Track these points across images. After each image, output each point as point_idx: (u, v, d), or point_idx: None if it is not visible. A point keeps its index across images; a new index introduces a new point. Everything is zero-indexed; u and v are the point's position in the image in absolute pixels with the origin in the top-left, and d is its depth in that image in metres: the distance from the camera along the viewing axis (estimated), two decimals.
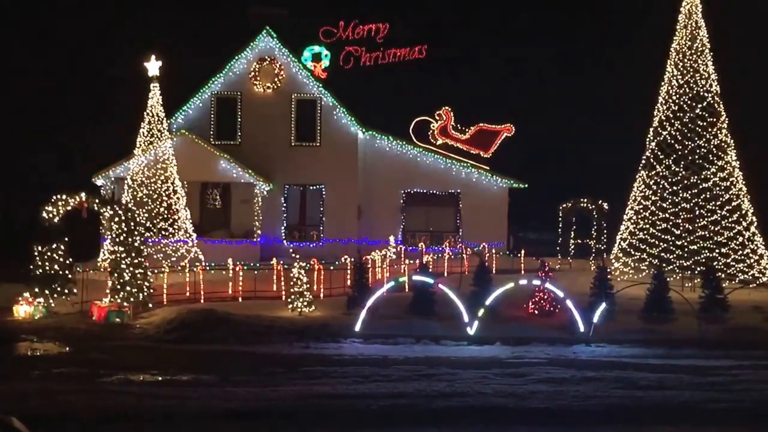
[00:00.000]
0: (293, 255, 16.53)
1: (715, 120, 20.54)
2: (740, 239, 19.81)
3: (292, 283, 16.00)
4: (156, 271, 17.49)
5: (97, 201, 16.83)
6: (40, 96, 27.64)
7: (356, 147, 24.45)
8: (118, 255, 16.08)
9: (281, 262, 18.25)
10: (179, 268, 18.80)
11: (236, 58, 24.06)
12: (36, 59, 28.44)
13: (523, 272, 19.99)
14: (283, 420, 8.38)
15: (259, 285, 18.08)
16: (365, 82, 28.78)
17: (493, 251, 22.09)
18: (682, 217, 19.96)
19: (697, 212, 19.90)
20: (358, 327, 14.64)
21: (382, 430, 8.16)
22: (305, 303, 15.87)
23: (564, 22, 33.03)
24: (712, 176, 20.14)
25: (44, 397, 8.72)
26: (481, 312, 14.93)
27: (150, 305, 15.91)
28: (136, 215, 18.42)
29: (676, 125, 20.58)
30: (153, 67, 20.59)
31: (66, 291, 15.71)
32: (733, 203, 20.05)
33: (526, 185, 25.06)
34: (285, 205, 24.31)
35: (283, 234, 24.16)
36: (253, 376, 10.46)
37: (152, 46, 21.41)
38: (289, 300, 15.94)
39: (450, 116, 25.25)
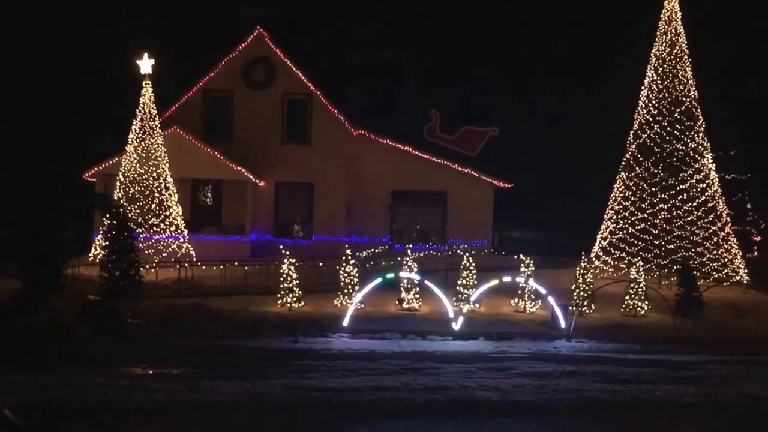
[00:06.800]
0: (283, 251, 16.80)
1: (692, 124, 21.00)
2: (715, 239, 20.29)
3: (282, 279, 16.26)
4: (147, 266, 17.66)
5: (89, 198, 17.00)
6: (33, 93, 27.53)
7: (346, 146, 24.69)
8: (110, 250, 16.25)
9: (271, 258, 18.51)
10: (171, 263, 18.99)
11: (228, 56, 24.22)
12: (27, 55, 28.30)
13: (506, 270, 20.39)
14: (272, 413, 8.46)
15: (249, 280, 18.34)
16: (356, 82, 29.03)
17: (479, 249, 22.52)
18: (660, 217, 20.42)
19: (675, 213, 20.36)
20: (346, 322, 14.92)
21: (369, 422, 8.28)
22: (295, 299, 16.16)
23: (550, 26, 33.40)
24: (689, 178, 20.61)
25: (34, 390, 8.73)
26: (465, 308, 15.27)
27: (141, 300, 16.07)
28: (127, 211, 18.61)
29: (656, 128, 21.03)
30: (145, 64, 20.73)
31: (58, 285, 15.83)
32: (709, 204, 20.53)
33: (512, 185, 25.47)
34: (276, 202, 24.52)
35: (274, 231, 24.39)
36: (242, 370, 10.52)
37: (145, 43, 21.51)
38: (279, 295, 16.22)
39: (438, 117, 25.62)
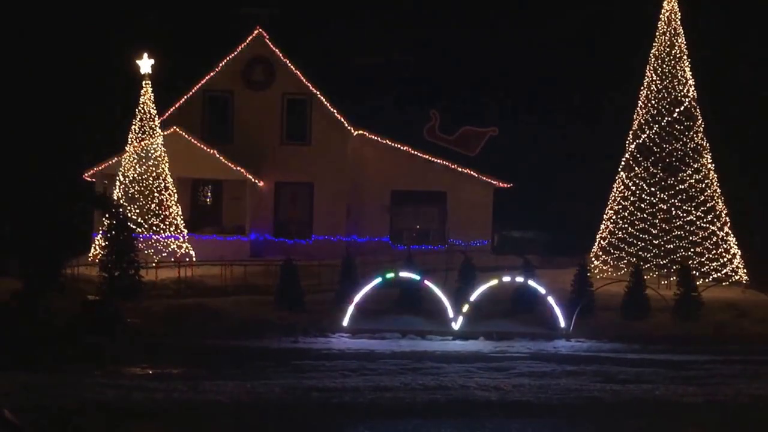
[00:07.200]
0: (283, 251, 16.80)
1: (691, 124, 21.06)
2: (714, 239, 20.35)
3: (281, 278, 16.27)
4: (147, 266, 17.69)
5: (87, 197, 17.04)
6: (33, 93, 27.59)
7: (346, 146, 24.74)
8: (110, 250, 16.28)
9: (271, 258, 18.55)
10: (170, 263, 19.02)
11: (228, 57, 24.29)
12: (27, 55, 28.36)
13: (506, 269, 20.39)
14: (272, 413, 8.46)
15: (249, 280, 18.38)
16: (356, 82, 29.10)
17: (479, 249, 22.56)
18: (659, 217, 20.47)
19: (674, 213, 20.41)
20: (345, 322, 14.95)
21: (369, 422, 8.29)
22: (294, 298, 16.15)
23: (549, 26, 33.46)
24: (688, 178, 20.68)
25: (34, 390, 8.74)
26: (465, 308, 15.29)
27: (141, 300, 16.10)
28: (127, 211, 18.66)
29: (655, 128, 21.09)
30: (145, 64, 20.78)
31: (57, 285, 15.84)
32: (708, 204, 20.59)
33: (511, 185, 25.53)
34: (275, 202, 24.58)
35: (274, 231, 24.43)
36: (242, 370, 10.52)
37: (145, 43, 21.55)
38: (279, 295, 16.22)
39: (438, 118, 25.67)
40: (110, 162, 22.29)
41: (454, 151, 25.34)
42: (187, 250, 20.58)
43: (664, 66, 21.23)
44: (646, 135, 21.15)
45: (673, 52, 21.24)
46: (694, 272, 17.69)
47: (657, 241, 20.28)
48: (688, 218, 20.32)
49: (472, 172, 25.20)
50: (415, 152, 25.23)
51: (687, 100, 21.11)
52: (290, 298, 16.11)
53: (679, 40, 21.32)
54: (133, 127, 20.73)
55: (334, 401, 8.84)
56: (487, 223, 25.33)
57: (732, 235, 20.75)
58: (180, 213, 21.15)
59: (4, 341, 12.27)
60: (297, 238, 24.22)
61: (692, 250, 20.05)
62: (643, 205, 20.69)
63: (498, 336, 14.65)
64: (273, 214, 24.50)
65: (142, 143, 20.58)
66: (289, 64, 24.36)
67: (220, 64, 24.26)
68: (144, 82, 20.80)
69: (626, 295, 16.53)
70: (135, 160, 20.59)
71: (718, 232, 20.44)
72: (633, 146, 21.43)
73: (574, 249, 22.06)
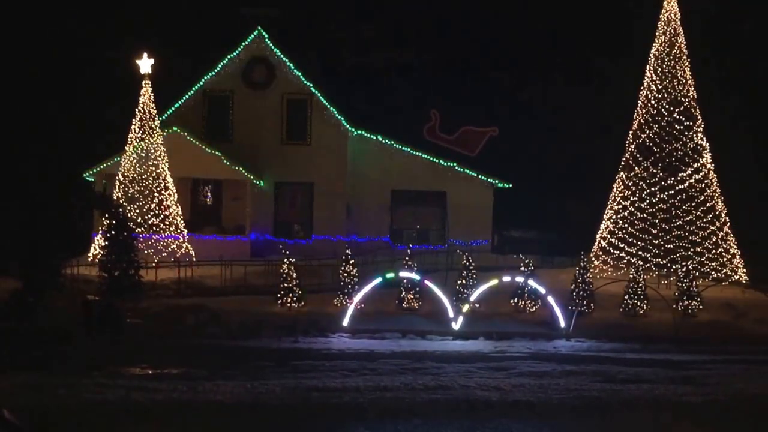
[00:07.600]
0: (283, 251, 16.81)
1: (691, 124, 21.09)
2: (714, 239, 20.37)
3: (281, 278, 16.29)
4: (147, 266, 17.69)
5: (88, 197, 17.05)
6: (32, 93, 27.59)
7: (346, 146, 24.74)
8: (109, 250, 16.29)
9: (271, 258, 18.55)
10: (170, 263, 19.02)
11: (228, 56, 24.29)
12: (27, 54, 28.36)
13: (506, 269, 20.41)
14: (272, 413, 8.47)
15: (249, 280, 18.37)
16: (355, 82, 29.12)
17: (479, 249, 22.55)
18: (659, 217, 20.50)
19: (674, 213, 20.43)
20: (346, 322, 14.97)
21: (369, 422, 8.30)
22: (294, 299, 16.19)
23: (550, 26, 33.46)
24: (688, 178, 20.71)
25: (33, 390, 8.74)
26: (465, 308, 15.30)
27: (141, 300, 16.11)
28: (127, 211, 18.66)
29: (655, 128, 21.12)
30: (145, 64, 20.78)
31: (57, 286, 15.85)
32: (708, 204, 20.62)
33: (511, 185, 25.55)
34: (275, 202, 24.59)
35: (274, 230, 24.43)
36: (242, 370, 10.54)
37: (145, 43, 21.55)
38: (279, 295, 16.24)
39: (438, 118, 25.67)
40: (110, 162, 22.29)
41: (454, 151, 25.35)
42: (187, 250, 20.57)
43: (664, 66, 21.25)
44: (645, 135, 21.17)
45: (673, 52, 21.26)
46: (694, 272, 17.70)
47: (657, 241, 20.29)
48: (688, 218, 20.34)
49: (472, 172, 25.21)
50: (415, 152, 25.24)
51: (687, 100, 21.13)
52: (290, 298, 16.11)
53: (679, 40, 21.34)
54: (133, 127, 20.73)
55: (334, 401, 8.85)
56: (487, 223, 25.34)
57: (732, 235, 20.78)
58: (180, 213, 21.15)
59: (4, 341, 12.29)
60: (297, 238, 24.22)
61: (692, 250, 20.07)
62: (643, 205, 20.71)
63: (498, 336, 14.67)
64: (273, 214, 24.51)
65: (142, 143, 20.57)
66: (289, 64, 24.36)
67: (220, 64, 24.26)
68: (144, 82, 20.80)
69: (626, 295, 16.55)
70: (135, 160, 20.59)
71: (717, 232, 20.46)
72: (633, 146, 21.46)
73: (574, 249, 22.06)
